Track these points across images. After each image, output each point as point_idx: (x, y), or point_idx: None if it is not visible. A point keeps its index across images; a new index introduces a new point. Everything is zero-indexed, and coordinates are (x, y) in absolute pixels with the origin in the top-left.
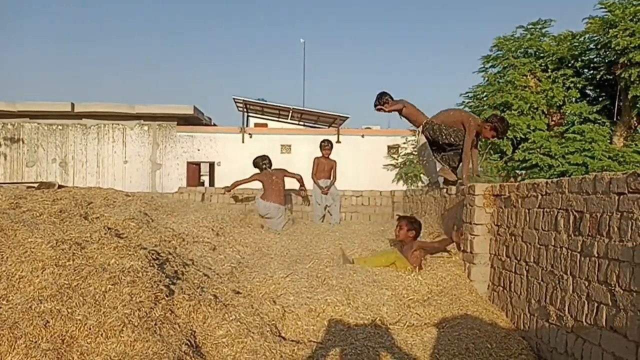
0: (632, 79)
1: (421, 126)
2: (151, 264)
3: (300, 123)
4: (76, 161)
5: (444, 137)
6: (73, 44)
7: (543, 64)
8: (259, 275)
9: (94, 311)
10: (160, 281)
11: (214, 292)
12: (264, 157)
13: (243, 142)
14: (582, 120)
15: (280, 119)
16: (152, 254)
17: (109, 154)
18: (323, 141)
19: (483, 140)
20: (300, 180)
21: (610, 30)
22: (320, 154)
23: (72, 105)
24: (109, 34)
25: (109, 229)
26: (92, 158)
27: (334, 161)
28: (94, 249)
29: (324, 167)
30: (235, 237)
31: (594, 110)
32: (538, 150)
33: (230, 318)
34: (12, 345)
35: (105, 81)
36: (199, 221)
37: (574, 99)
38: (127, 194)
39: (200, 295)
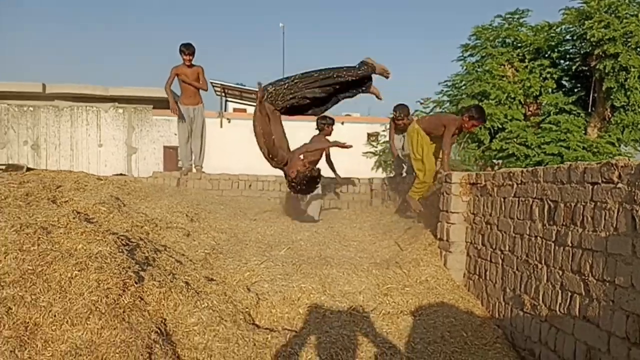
0: (606, 71)
1: None
2: (120, 250)
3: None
4: (49, 144)
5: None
6: (45, 22)
7: (520, 54)
8: (233, 262)
9: (59, 298)
10: (129, 267)
11: (186, 279)
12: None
13: (221, 127)
14: (557, 110)
15: None
16: (122, 240)
17: (82, 137)
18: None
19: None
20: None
21: (585, 22)
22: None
23: (44, 86)
24: (82, 13)
25: (77, 213)
26: (65, 141)
27: None
28: (61, 233)
29: None
30: (210, 223)
31: (570, 101)
32: (515, 140)
33: (203, 305)
34: None
35: (78, 62)
36: (173, 206)
37: (550, 90)
38: (98, 178)
39: (172, 282)
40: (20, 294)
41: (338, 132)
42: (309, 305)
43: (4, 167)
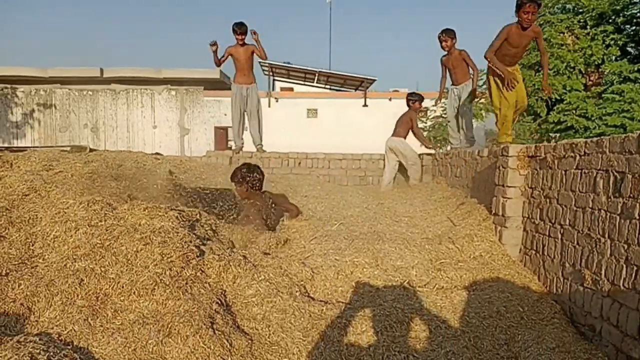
0: None
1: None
2: (182, 225)
3: (327, 86)
4: (107, 126)
5: None
6: (99, 9)
7: (582, 20)
8: (285, 237)
9: (127, 270)
10: (190, 241)
11: (243, 253)
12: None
13: (269, 106)
14: (621, 79)
15: (306, 83)
16: (182, 215)
17: (138, 119)
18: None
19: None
20: None
21: None
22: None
23: (101, 70)
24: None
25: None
26: (122, 123)
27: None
28: (125, 209)
29: None
30: None
31: (635, 68)
32: (574, 111)
33: (260, 278)
34: (49, 301)
35: (133, 46)
36: (227, 184)
37: (613, 57)
38: (156, 157)
39: (230, 255)
40: (91, 266)
41: (386, 108)
42: (362, 279)
43: (69, 148)
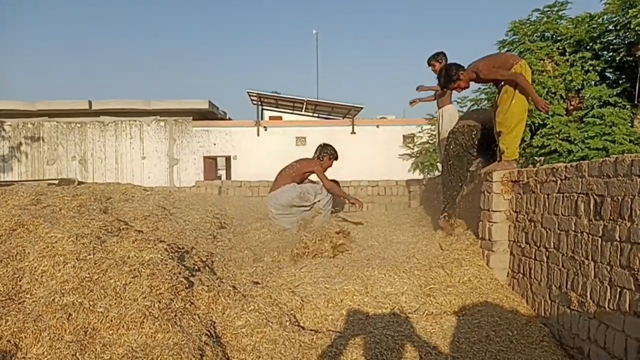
0: None
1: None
2: (170, 257)
3: (315, 115)
4: (95, 158)
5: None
6: (87, 42)
7: (560, 47)
8: (276, 265)
9: (115, 303)
10: (179, 273)
11: (233, 283)
12: None
13: (258, 135)
14: (601, 103)
15: (294, 112)
16: (172, 247)
17: (127, 150)
18: None
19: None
20: None
21: (629, 11)
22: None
23: (90, 103)
24: (122, 32)
25: (126, 223)
26: (110, 155)
27: None
28: (114, 242)
29: None
30: (251, 229)
31: (614, 93)
32: (557, 135)
33: (249, 308)
34: (36, 337)
35: (121, 79)
36: (216, 213)
37: (593, 82)
38: (145, 189)
39: (219, 286)
40: (79, 300)
41: (374, 135)
42: (352, 307)
43: (57, 181)
